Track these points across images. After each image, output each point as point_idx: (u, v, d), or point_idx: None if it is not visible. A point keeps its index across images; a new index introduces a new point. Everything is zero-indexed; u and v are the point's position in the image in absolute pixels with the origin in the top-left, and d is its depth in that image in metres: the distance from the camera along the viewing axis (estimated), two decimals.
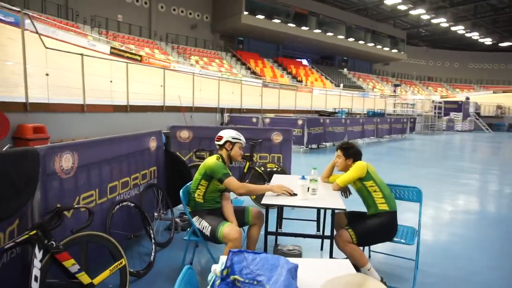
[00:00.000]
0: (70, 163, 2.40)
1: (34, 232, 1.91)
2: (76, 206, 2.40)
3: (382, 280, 2.76)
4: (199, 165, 2.98)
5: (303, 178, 2.67)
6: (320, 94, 25.50)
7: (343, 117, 17.40)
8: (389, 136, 17.74)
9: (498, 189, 7.15)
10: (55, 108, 7.68)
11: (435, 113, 25.22)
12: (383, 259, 3.46)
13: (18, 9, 8.37)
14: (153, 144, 3.86)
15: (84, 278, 2.10)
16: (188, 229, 2.98)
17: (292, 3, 33.37)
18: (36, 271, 1.86)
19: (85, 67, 8.75)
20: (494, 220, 5.01)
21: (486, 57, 49.71)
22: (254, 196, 4.69)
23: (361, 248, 2.83)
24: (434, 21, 36.65)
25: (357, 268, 2.84)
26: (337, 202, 2.66)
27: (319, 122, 12.29)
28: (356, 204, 3.12)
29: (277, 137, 5.17)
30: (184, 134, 5.09)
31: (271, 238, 3.47)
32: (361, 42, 39.42)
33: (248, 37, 35.74)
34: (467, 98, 31.19)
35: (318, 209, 3.47)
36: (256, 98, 17.55)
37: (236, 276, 1.36)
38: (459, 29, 38.87)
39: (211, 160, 2.85)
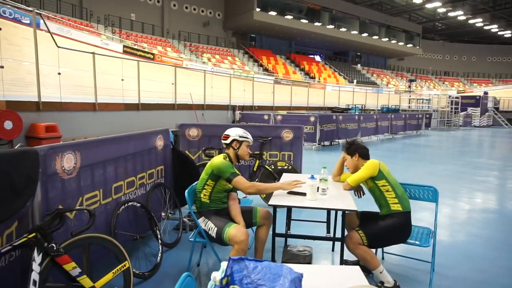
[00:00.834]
0: (72, 163, 2.34)
1: (33, 234, 1.86)
2: (77, 208, 2.34)
3: (396, 283, 2.65)
4: (207, 164, 2.90)
5: (312, 177, 2.57)
6: (333, 91, 25.21)
7: (357, 113, 17.13)
8: (403, 133, 17.41)
9: None
10: (67, 107, 7.73)
11: (451, 108, 24.61)
12: (397, 261, 3.32)
13: (30, 8, 8.42)
14: (160, 142, 3.81)
15: (86, 281, 2.05)
16: (195, 229, 2.91)
17: None
18: (35, 275, 1.81)
19: (97, 66, 8.79)
20: None
21: (505, 50, 48.25)
22: (264, 195, 4.60)
23: (374, 250, 2.73)
24: (451, 14, 35.78)
25: (369, 270, 2.73)
26: (348, 202, 2.55)
27: (332, 119, 12.13)
28: (370, 203, 3.00)
29: (287, 135, 5.07)
30: (193, 132, 5.03)
31: (280, 240, 3.37)
32: (375, 37, 38.78)
33: (261, 34, 35.58)
34: (485, 93, 30.39)
35: (328, 210, 3.35)
36: (268, 95, 17.44)
37: (236, 286, 1.27)
38: (478, 22, 37.83)
39: (218, 160, 2.78)
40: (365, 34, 37.79)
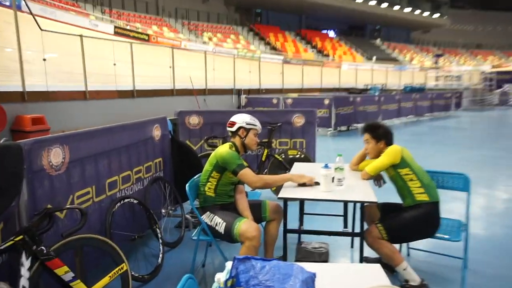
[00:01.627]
0: (60, 158, 2.36)
1: (20, 237, 1.88)
2: (67, 206, 2.37)
3: (423, 282, 2.64)
4: (211, 154, 2.91)
5: (326, 166, 2.55)
6: (350, 69, 24.98)
7: (377, 94, 16.95)
8: (430, 114, 17.20)
9: None
10: (55, 97, 7.77)
11: (485, 85, 24.20)
12: (424, 257, 3.31)
13: None
14: (157, 132, 3.82)
15: (80, 286, 2.08)
16: (199, 227, 2.93)
17: None
18: (24, 281, 1.84)
19: (86, 50, 8.80)
20: None
21: None
22: (275, 188, 4.61)
23: (398, 246, 2.72)
24: None
25: (393, 269, 2.72)
26: (367, 193, 2.54)
27: (349, 101, 12.08)
28: (393, 193, 2.97)
29: (298, 120, 5.04)
30: (194, 120, 5.03)
31: (292, 236, 3.38)
32: (396, 7, 38.10)
33: (267, 8, 35.24)
34: None
35: (345, 202, 3.34)
36: (277, 76, 17.35)
37: None
38: None
39: (223, 149, 2.77)
40: (384, 4, 37.16)
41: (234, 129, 2.92)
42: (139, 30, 25.06)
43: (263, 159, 4.82)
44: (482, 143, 10.13)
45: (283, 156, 4.85)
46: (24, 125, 6.61)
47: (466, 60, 46.36)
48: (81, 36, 8.82)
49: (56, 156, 2.33)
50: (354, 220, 3.41)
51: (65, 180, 2.42)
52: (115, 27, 23.77)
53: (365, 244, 2.63)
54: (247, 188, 3.13)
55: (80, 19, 22.02)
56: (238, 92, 14.20)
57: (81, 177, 2.59)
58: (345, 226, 3.52)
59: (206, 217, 2.77)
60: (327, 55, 34.55)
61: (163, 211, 3.76)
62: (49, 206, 2.23)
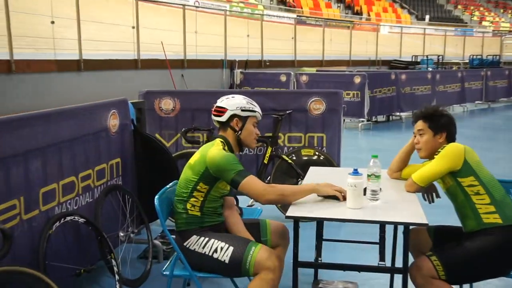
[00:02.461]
0: None
1: None
2: None
3: None
4: (192, 153, 2.91)
5: (355, 173, 2.56)
6: (392, 34, 24.94)
7: (430, 69, 16.95)
8: (507, 99, 17.23)
9: None
10: None
11: None
12: None
13: None
14: (114, 121, 3.82)
15: None
16: (172, 256, 2.94)
17: None
18: None
19: (11, 1, 8.80)
20: None
21: None
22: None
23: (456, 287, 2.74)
24: None
25: None
26: (414, 212, 2.56)
27: (390, 80, 12.07)
28: (449, 213, 2.99)
29: (317, 106, 5.06)
30: (167, 105, 5.05)
31: (306, 272, 3.39)
32: None
33: None
34: None
35: (383, 224, 3.35)
36: (287, 43, 17.35)
37: None
38: None
39: (215, 151, 2.72)
40: None
41: (224, 118, 2.88)
42: None
43: (266, 161, 4.84)
44: None
45: (294, 158, 4.86)
46: None
47: None
48: None
49: None
50: (394, 250, 3.43)
51: None
52: None
53: (411, 284, 2.65)
54: (243, 203, 3.15)
55: None
56: (231, 65, 14.21)
57: (3, 184, 2.58)
58: (382, 258, 3.52)
59: (192, 243, 2.74)
60: (359, 13, 34.53)
61: (121, 234, 3.76)
62: None
